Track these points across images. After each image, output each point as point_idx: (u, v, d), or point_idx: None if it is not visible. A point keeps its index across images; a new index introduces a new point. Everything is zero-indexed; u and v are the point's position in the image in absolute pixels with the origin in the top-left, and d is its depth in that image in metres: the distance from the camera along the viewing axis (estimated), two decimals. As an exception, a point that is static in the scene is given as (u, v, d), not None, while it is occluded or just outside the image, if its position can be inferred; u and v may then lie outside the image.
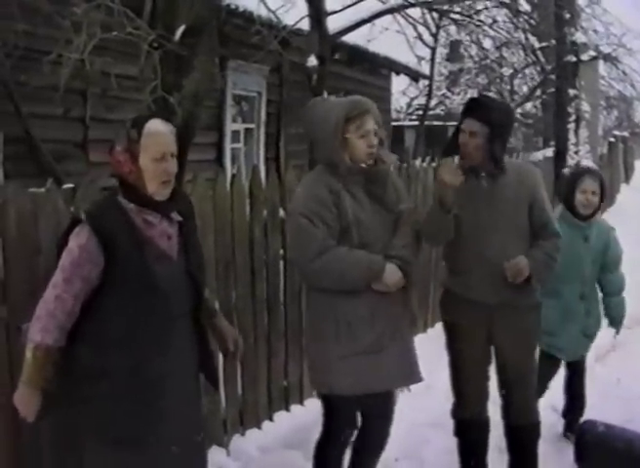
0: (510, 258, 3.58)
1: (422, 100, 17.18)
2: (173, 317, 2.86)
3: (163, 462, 2.90)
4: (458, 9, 10.45)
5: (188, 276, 2.93)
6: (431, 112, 18.41)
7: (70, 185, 3.47)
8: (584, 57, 9.06)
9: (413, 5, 9.15)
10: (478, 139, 3.57)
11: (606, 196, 4.55)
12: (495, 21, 11.21)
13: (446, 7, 10.27)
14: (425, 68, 15.74)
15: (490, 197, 3.67)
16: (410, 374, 3.57)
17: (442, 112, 19.11)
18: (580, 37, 9.16)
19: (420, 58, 13.92)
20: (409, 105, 16.70)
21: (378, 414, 3.63)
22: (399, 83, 17.46)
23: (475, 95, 16.44)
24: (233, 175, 4.38)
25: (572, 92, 9.44)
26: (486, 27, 11.28)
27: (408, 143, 20.30)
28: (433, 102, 17.31)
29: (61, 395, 2.85)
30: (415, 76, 16.14)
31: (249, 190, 4.48)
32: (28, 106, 6.39)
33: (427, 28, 12.24)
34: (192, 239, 3.01)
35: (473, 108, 3.63)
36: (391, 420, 3.69)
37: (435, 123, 19.71)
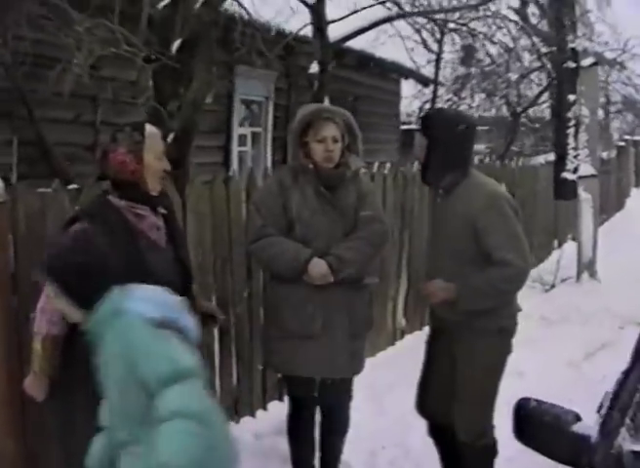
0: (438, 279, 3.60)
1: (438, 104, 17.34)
2: None
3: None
4: (457, 16, 10.68)
5: (177, 263, 3.26)
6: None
7: (76, 186, 3.77)
8: (585, 62, 9.21)
9: (412, 14, 9.35)
10: (423, 153, 3.66)
11: None
12: (500, 28, 11.45)
13: (444, 16, 10.48)
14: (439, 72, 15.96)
15: (438, 214, 3.79)
16: (337, 367, 3.80)
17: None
18: (580, 43, 9.33)
19: (417, 66, 14.08)
20: (420, 109, 16.86)
21: (330, 398, 3.92)
22: (412, 87, 17.68)
23: (480, 99, 16.73)
24: (229, 177, 4.65)
25: (572, 97, 9.63)
26: (490, 33, 11.54)
27: (418, 147, 20.36)
28: (445, 107, 17.48)
29: (63, 381, 3.09)
30: (424, 81, 16.35)
31: (246, 191, 4.75)
32: (42, 111, 6.68)
33: (432, 34, 12.48)
34: (177, 229, 3.37)
35: (421, 122, 3.79)
36: (343, 404, 4.00)
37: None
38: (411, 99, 18.10)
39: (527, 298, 8.03)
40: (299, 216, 3.71)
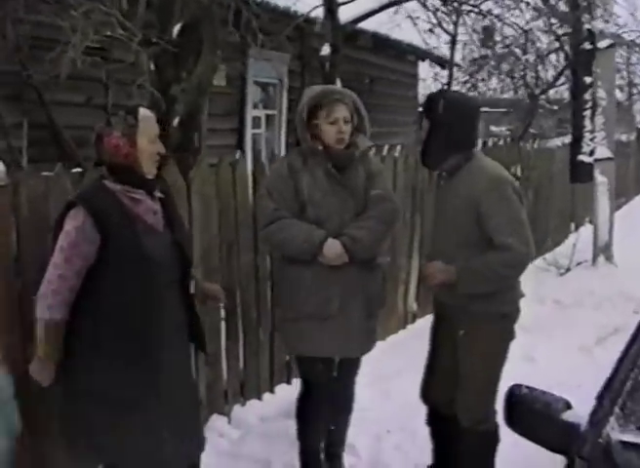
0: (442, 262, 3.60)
1: (455, 87, 17.23)
2: (164, 285, 3.16)
3: (161, 424, 3.16)
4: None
5: (175, 247, 3.25)
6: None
7: (79, 169, 3.77)
8: (601, 44, 9.09)
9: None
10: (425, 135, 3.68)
11: None
12: (515, 9, 11.33)
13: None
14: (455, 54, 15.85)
15: (440, 197, 3.82)
16: (352, 347, 3.87)
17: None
18: (596, 25, 9.21)
19: (429, 47, 13.93)
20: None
21: (343, 378, 3.96)
22: (432, 69, 17.57)
23: (498, 81, 16.57)
24: (236, 161, 4.64)
25: (588, 79, 9.51)
26: (506, 15, 11.44)
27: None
28: (464, 89, 17.36)
29: (65, 365, 3.11)
30: (441, 62, 16.23)
31: (252, 175, 4.74)
32: (52, 94, 6.69)
33: (448, 15, 12.37)
34: (174, 213, 3.35)
35: (424, 105, 3.78)
36: (352, 383, 4.06)
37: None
38: (430, 82, 17.96)
39: (541, 282, 8.17)
40: (310, 198, 3.71)
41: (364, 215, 3.78)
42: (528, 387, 2.13)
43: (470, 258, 3.51)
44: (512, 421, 2.15)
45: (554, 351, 5.92)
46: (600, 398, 1.98)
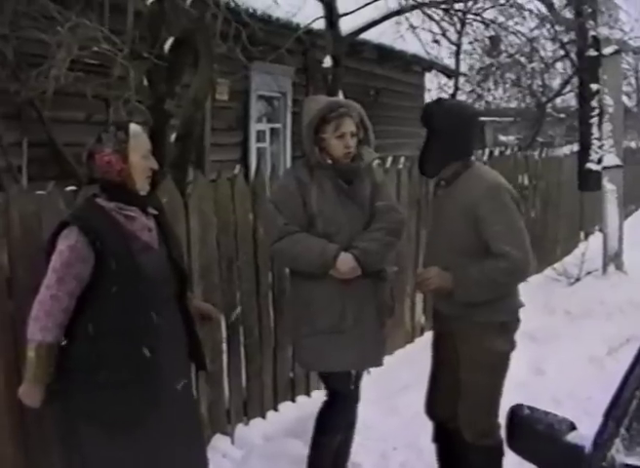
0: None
1: (460, 96, 17.18)
2: (161, 302, 3.10)
3: (160, 446, 3.09)
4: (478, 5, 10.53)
5: (171, 263, 3.19)
6: (474, 108, 18.40)
7: (72, 188, 3.71)
8: (606, 51, 9.01)
9: (424, 5, 9.21)
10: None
11: None
12: (519, 17, 11.26)
13: (463, 6, 10.33)
14: (461, 65, 15.79)
15: (438, 206, 3.80)
16: (368, 358, 3.86)
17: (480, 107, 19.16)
18: (601, 31, 9.13)
19: (431, 57, 13.86)
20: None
21: (342, 392, 3.86)
22: (439, 79, 17.53)
23: (504, 90, 16.50)
24: (234, 176, 4.57)
25: (594, 86, 9.43)
26: (511, 23, 11.37)
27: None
28: (471, 99, 17.32)
29: (60, 388, 3.04)
30: (447, 73, 16.17)
31: (252, 190, 4.67)
32: (52, 112, 6.65)
33: (452, 25, 12.32)
34: (169, 230, 3.29)
35: (422, 114, 3.73)
36: (356, 399, 3.95)
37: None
38: (438, 92, 17.90)
39: (551, 292, 8.07)
40: (319, 212, 3.68)
41: (372, 227, 3.76)
42: (530, 407, 2.04)
43: (467, 266, 3.47)
44: (514, 443, 2.06)
45: (564, 362, 5.84)
46: (605, 418, 1.88)
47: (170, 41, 4.13)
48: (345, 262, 3.62)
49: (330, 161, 3.69)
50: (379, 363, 3.99)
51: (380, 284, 3.86)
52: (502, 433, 3.48)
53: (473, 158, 3.74)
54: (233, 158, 9.61)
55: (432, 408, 3.86)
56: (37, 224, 3.44)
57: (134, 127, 3.14)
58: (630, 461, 1.75)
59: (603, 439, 1.82)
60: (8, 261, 3.38)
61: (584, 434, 1.94)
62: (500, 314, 3.56)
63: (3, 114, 6.25)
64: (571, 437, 1.92)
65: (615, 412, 1.86)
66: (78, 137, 7.10)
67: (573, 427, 1.96)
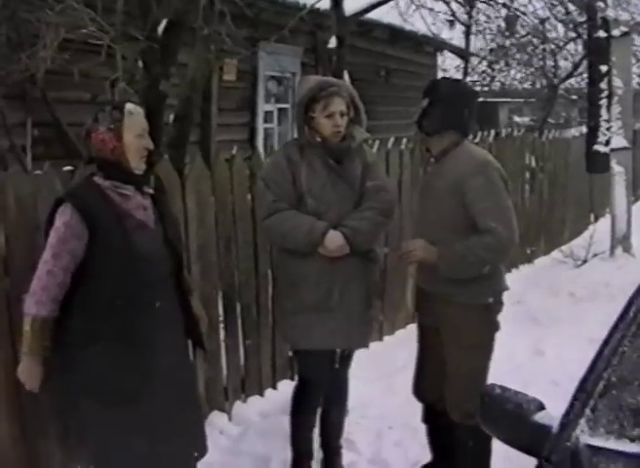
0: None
1: (473, 77, 17.11)
2: (155, 280, 3.14)
3: (157, 420, 3.14)
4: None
5: (167, 243, 3.23)
6: (486, 89, 18.35)
7: (69, 168, 3.75)
8: (616, 32, 8.94)
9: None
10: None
11: None
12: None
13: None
14: (475, 44, 15.71)
15: (426, 183, 3.82)
16: (353, 338, 3.86)
17: (496, 89, 19.08)
18: (610, 13, 9.05)
19: (435, 35, 13.75)
20: (461, 82, 16.58)
21: (342, 370, 3.95)
22: (455, 60, 17.45)
23: (516, 71, 16.41)
24: (233, 156, 4.60)
25: (604, 68, 9.36)
26: (522, 3, 11.31)
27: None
28: (488, 79, 17.28)
29: (58, 362, 3.10)
30: (459, 53, 16.09)
31: (250, 170, 4.69)
32: (57, 92, 6.69)
33: (463, 6, 12.23)
34: (166, 210, 3.33)
35: (426, 88, 3.76)
36: (347, 375, 4.05)
37: (490, 100, 19.71)
38: (453, 72, 17.83)
39: (557, 274, 8.07)
40: (309, 190, 3.69)
41: (362, 207, 3.78)
42: (501, 387, 2.07)
43: (453, 241, 3.48)
44: (485, 421, 2.09)
45: (564, 344, 5.83)
46: (573, 399, 1.91)
47: (164, 22, 4.14)
48: (334, 240, 3.64)
49: (319, 139, 3.70)
50: (364, 344, 4.00)
51: (369, 265, 3.88)
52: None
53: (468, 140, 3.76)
54: (240, 138, 9.63)
55: (420, 389, 3.89)
56: (33, 204, 3.49)
57: (129, 106, 3.17)
58: (594, 442, 1.77)
59: (568, 419, 1.85)
60: (5, 241, 3.44)
61: (553, 414, 1.96)
62: (482, 296, 3.58)
63: (6, 94, 6.29)
64: (539, 417, 1.95)
65: (581, 394, 1.88)
66: (83, 118, 7.20)
67: (541, 407, 1.99)
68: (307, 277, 3.72)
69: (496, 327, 3.66)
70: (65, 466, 3.64)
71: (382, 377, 5.19)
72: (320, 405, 4.00)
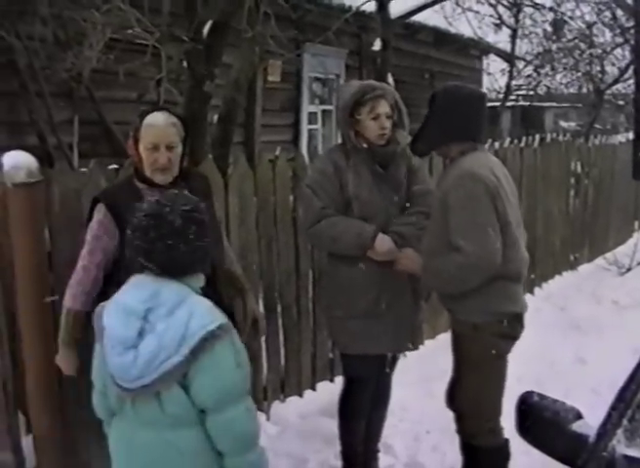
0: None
1: (518, 80, 16.97)
2: None
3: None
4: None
5: None
6: (531, 93, 18.19)
7: (114, 166, 3.80)
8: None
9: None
10: None
11: None
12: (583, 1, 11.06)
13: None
14: (521, 48, 15.57)
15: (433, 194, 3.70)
16: (401, 342, 3.89)
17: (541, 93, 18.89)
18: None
19: (479, 38, 13.62)
20: (507, 87, 16.48)
21: (369, 376, 3.90)
22: (501, 64, 17.32)
23: (562, 75, 16.21)
24: (276, 157, 4.62)
25: (651, 72, 9.25)
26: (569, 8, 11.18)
27: (504, 125, 20.05)
28: (533, 83, 17.10)
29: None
30: (505, 57, 15.95)
31: (292, 171, 4.71)
32: (105, 91, 6.79)
33: (509, 9, 12.13)
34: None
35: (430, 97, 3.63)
36: (389, 381, 4.04)
37: (536, 104, 19.53)
38: (499, 76, 17.68)
39: (600, 282, 7.96)
40: (356, 196, 3.69)
41: (410, 211, 3.79)
42: (539, 395, 2.05)
43: (437, 255, 3.37)
44: (523, 430, 2.07)
45: (607, 352, 5.74)
46: (611, 408, 1.89)
47: (209, 23, 4.16)
48: (383, 243, 3.64)
49: (365, 145, 3.70)
50: (414, 347, 4.04)
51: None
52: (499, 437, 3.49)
53: (485, 146, 3.65)
54: (284, 139, 9.67)
55: (450, 397, 3.76)
56: (77, 201, 3.55)
57: (152, 117, 3.10)
58: (630, 452, 1.75)
59: (606, 429, 1.83)
60: (49, 236, 3.50)
61: (591, 424, 1.94)
62: (471, 315, 3.38)
63: (53, 93, 6.39)
64: (576, 426, 1.93)
65: (619, 404, 1.86)
66: (128, 116, 7.30)
67: (579, 416, 1.97)
68: (357, 282, 3.72)
69: (493, 350, 3.40)
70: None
71: (422, 381, 5.16)
72: (368, 409, 3.98)
